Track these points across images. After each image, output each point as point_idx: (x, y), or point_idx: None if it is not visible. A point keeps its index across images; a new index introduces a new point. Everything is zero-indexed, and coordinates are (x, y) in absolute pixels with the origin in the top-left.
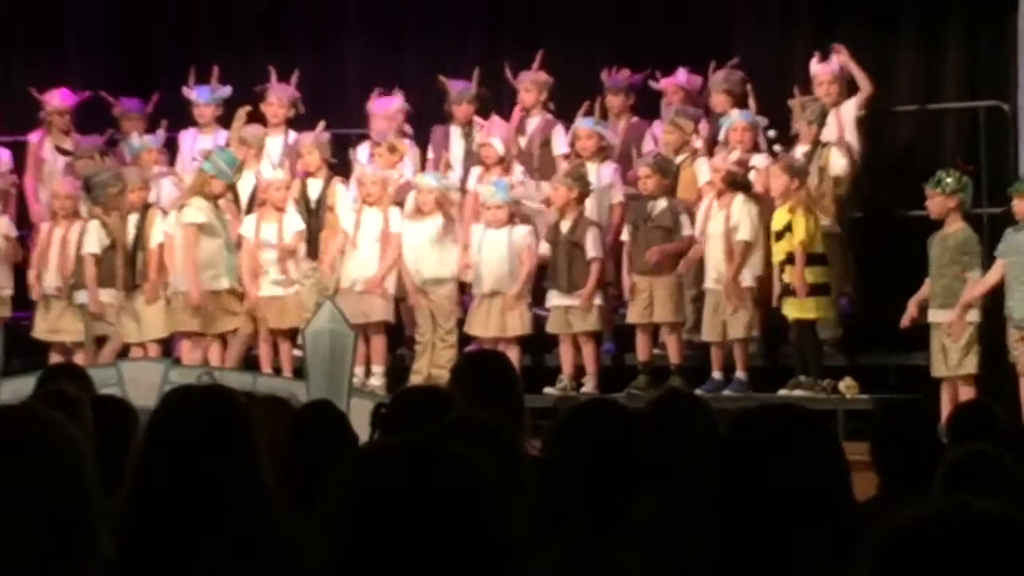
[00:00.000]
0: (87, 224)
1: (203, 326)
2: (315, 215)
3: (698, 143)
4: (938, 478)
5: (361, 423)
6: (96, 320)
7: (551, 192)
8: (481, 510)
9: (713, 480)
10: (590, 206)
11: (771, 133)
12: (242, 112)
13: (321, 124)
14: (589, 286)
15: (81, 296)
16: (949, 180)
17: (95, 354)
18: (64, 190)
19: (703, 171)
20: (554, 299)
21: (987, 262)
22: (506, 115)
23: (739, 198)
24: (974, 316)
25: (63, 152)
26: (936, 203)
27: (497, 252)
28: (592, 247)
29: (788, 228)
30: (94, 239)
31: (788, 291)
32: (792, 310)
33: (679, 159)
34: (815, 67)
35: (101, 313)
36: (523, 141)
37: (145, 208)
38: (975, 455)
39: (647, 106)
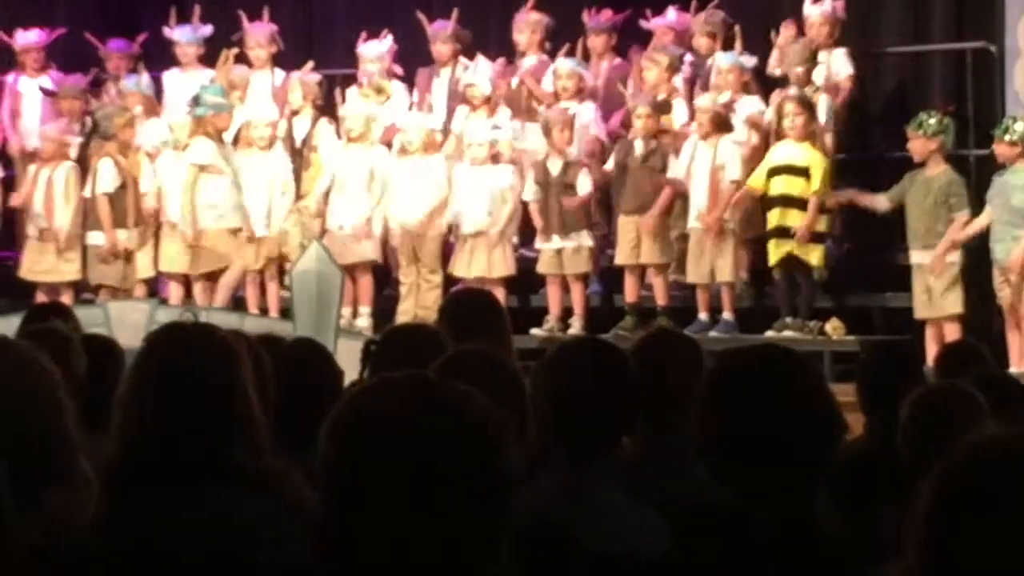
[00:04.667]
0: (98, 163)
1: (196, 265)
2: (300, 155)
3: (677, 83)
4: (903, 412)
5: (348, 363)
6: (106, 263)
7: (555, 136)
8: (481, 446)
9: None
10: (574, 146)
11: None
12: (228, 54)
13: (309, 64)
14: (577, 201)
15: (93, 237)
16: (931, 122)
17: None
18: (49, 132)
19: (679, 112)
20: (545, 240)
21: (974, 203)
22: (493, 56)
23: (727, 138)
24: (956, 256)
25: (44, 92)
26: (918, 145)
27: (479, 192)
28: (584, 185)
29: (794, 169)
30: (107, 178)
31: (782, 232)
32: (792, 251)
33: (660, 98)
34: (808, 8)
35: (117, 253)
36: (515, 82)
37: (134, 151)
38: (940, 390)
39: (630, 47)
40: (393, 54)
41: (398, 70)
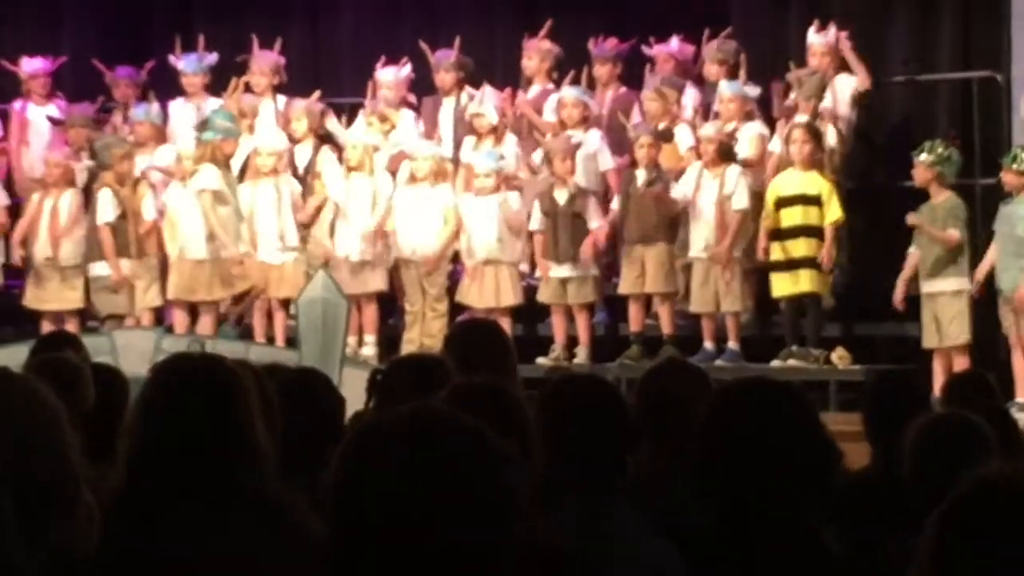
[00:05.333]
0: (98, 193)
1: (211, 292)
2: (303, 182)
3: (678, 111)
4: (907, 440)
5: (354, 393)
6: (115, 292)
7: (557, 165)
8: (487, 476)
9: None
10: (579, 174)
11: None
12: (238, 82)
13: (316, 94)
14: (592, 251)
15: (97, 268)
16: (937, 151)
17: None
18: (53, 158)
19: (684, 139)
20: (550, 268)
21: (975, 230)
22: (499, 84)
23: (733, 167)
24: (964, 285)
25: (52, 121)
26: (919, 172)
27: (487, 221)
28: (596, 216)
29: (808, 198)
30: (108, 208)
31: (794, 263)
32: (805, 284)
33: (660, 127)
34: (812, 37)
35: (123, 283)
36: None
37: (135, 181)
38: (944, 419)
39: (635, 76)
40: (409, 83)
41: (412, 99)
